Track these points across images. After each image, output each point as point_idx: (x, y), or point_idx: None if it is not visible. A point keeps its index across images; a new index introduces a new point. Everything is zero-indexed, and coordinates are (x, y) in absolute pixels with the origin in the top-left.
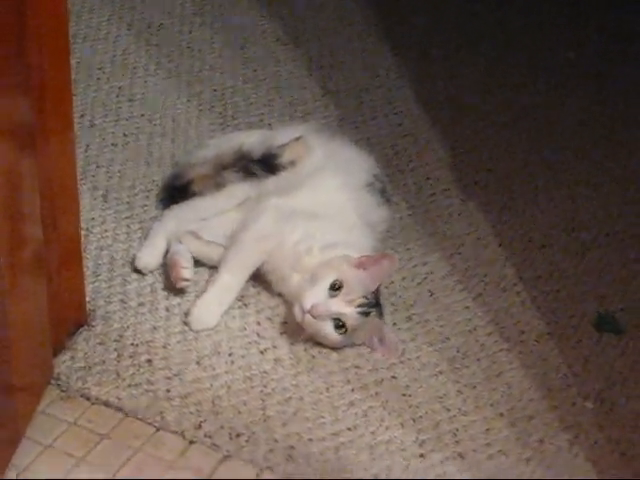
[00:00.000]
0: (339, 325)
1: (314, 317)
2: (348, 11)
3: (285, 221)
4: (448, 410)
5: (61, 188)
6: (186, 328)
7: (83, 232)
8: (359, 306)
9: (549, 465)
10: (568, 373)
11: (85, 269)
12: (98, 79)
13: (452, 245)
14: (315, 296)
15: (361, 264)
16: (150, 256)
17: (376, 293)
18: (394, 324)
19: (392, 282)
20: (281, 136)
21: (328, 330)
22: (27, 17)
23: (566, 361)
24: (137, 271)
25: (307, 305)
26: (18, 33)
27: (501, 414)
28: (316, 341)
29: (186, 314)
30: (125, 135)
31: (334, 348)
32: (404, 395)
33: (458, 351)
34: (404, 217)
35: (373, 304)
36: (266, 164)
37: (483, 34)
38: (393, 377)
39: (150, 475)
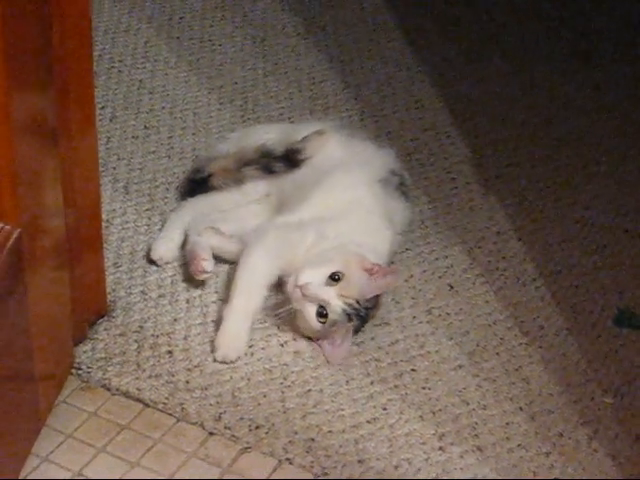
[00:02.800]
0: (322, 314)
1: (303, 295)
2: (369, 4)
3: (291, 234)
4: (467, 404)
5: (83, 180)
6: (207, 320)
7: (104, 224)
8: (348, 305)
9: (568, 459)
10: (587, 368)
11: (106, 260)
12: (119, 72)
13: (473, 239)
14: (312, 276)
15: (370, 270)
16: (166, 247)
17: (369, 308)
18: (414, 318)
19: (412, 275)
20: (302, 131)
21: (310, 314)
22: (51, 9)
23: (585, 356)
24: (152, 262)
25: (301, 280)
26: (42, 26)
27: (520, 408)
28: (292, 327)
29: (212, 349)
30: (146, 128)
31: (309, 338)
32: (424, 388)
33: (478, 345)
34: (424, 210)
35: (361, 314)
36: (289, 160)
37: (506, 28)
38: (413, 370)
39: (170, 466)
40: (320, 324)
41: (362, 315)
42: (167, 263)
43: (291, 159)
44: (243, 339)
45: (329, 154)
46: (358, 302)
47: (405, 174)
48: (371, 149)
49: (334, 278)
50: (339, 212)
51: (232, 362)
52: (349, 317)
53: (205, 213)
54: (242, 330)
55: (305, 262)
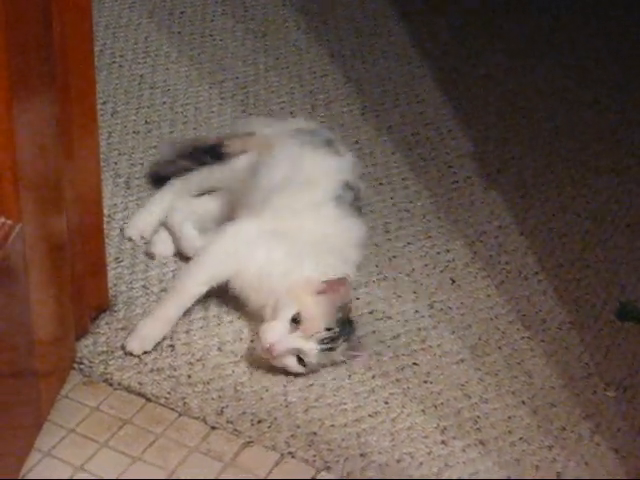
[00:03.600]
0: (302, 360)
1: (273, 356)
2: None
3: (246, 245)
4: (469, 397)
5: (84, 175)
6: (208, 314)
7: (105, 219)
8: (322, 342)
9: (571, 453)
10: (590, 362)
11: (107, 255)
12: (120, 67)
13: (474, 233)
14: (274, 332)
15: (322, 291)
16: (142, 221)
17: (344, 321)
18: (416, 312)
19: (413, 269)
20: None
21: (291, 365)
22: (52, 4)
23: (588, 350)
24: (129, 239)
25: (266, 343)
26: (42, 19)
27: (523, 402)
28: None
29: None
30: (147, 123)
31: None
32: (425, 382)
33: (480, 339)
34: (426, 205)
35: (338, 336)
36: (215, 153)
37: (508, 23)
38: (414, 364)
39: (172, 460)
40: (305, 368)
41: (343, 331)
42: (143, 238)
43: (217, 153)
44: (154, 339)
45: (281, 163)
46: (329, 328)
47: (361, 185)
48: (325, 162)
49: (295, 321)
50: (289, 231)
51: (138, 356)
52: (331, 349)
53: (187, 190)
54: (157, 331)
55: (261, 313)
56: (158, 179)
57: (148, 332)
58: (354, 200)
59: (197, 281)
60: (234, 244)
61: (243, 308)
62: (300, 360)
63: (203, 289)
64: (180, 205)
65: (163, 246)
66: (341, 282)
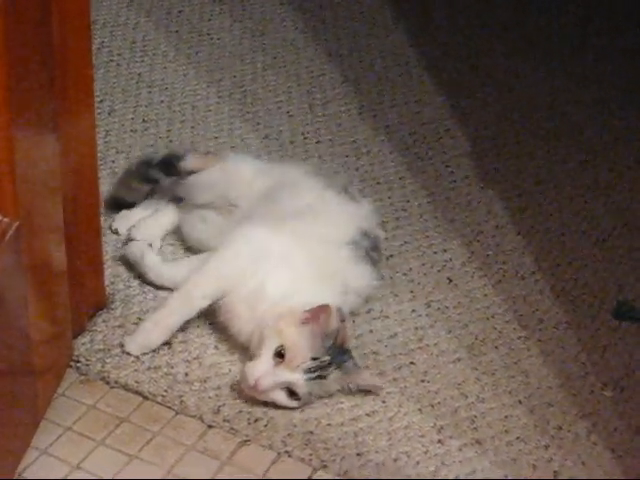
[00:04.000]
0: (293, 393)
1: (259, 393)
2: None
3: (253, 260)
4: (466, 397)
5: (81, 173)
6: (206, 312)
7: (102, 217)
8: (309, 371)
9: (567, 452)
10: (586, 361)
11: (104, 253)
12: (118, 65)
13: (471, 232)
14: (259, 367)
15: (307, 319)
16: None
17: (335, 345)
18: (413, 311)
19: (410, 269)
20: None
21: (281, 400)
22: (51, 2)
23: (585, 349)
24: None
25: (251, 381)
26: (41, 11)
27: (519, 401)
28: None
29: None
30: (144, 121)
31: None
32: (422, 381)
33: (477, 338)
34: (423, 204)
35: (328, 364)
36: (166, 167)
37: (504, 23)
38: (411, 363)
39: (169, 459)
40: (298, 401)
41: (334, 359)
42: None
43: (169, 167)
44: (153, 344)
45: (299, 195)
46: (315, 358)
47: (380, 234)
48: (344, 206)
49: (279, 355)
50: (290, 259)
51: (137, 356)
52: (321, 377)
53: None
54: (157, 337)
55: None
56: (117, 205)
57: (148, 337)
58: (370, 250)
59: (203, 293)
60: (246, 253)
61: (229, 337)
62: (292, 394)
63: (208, 302)
64: (136, 234)
65: (126, 222)
66: (322, 309)
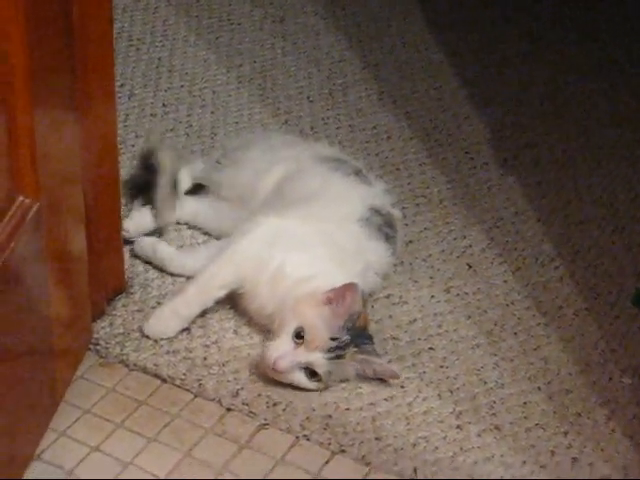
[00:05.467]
0: (313, 374)
1: (281, 372)
2: None
3: (268, 246)
4: (485, 383)
5: (101, 156)
6: (224, 297)
7: (122, 200)
8: (328, 351)
9: (586, 439)
10: (606, 348)
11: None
12: (138, 50)
13: (491, 219)
14: (278, 348)
15: (329, 300)
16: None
17: (356, 327)
18: (432, 297)
19: (430, 255)
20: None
21: (301, 380)
22: None
23: (604, 336)
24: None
25: (270, 361)
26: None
27: (538, 388)
28: None
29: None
30: (164, 105)
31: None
32: (441, 367)
33: (496, 324)
34: (443, 190)
35: (346, 343)
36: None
37: (524, 10)
38: (431, 349)
39: (187, 442)
40: (318, 382)
41: (349, 340)
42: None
43: (145, 162)
44: (174, 327)
45: (312, 179)
46: (334, 338)
47: (395, 213)
48: (353, 186)
49: (299, 336)
50: (305, 242)
51: (155, 340)
52: (339, 357)
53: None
54: (178, 319)
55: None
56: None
57: (166, 325)
58: (383, 225)
59: (221, 284)
60: (261, 240)
61: (248, 321)
62: (312, 375)
63: (226, 291)
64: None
65: (138, 222)
66: (347, 288)
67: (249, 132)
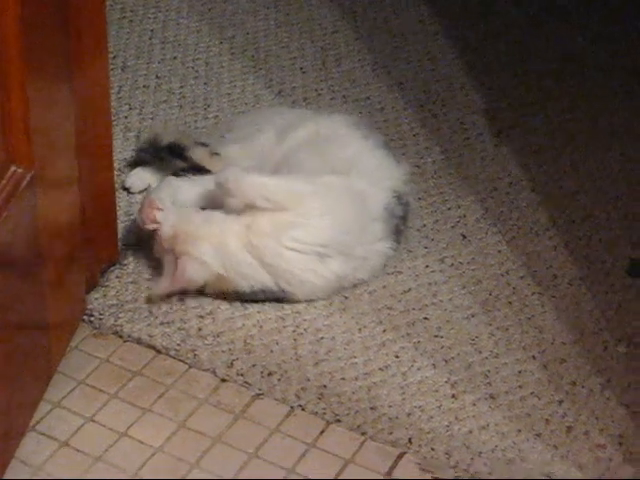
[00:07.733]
0: None
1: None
2: None
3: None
4: (480, 352)
5: (95, 127)
6: None
7: (116, 172)
8: None
9: (581, 408)
10: (600, 317)
11: (117, 208)
12: (131, 21)
13: (485, 189)
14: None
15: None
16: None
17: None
18: (427, 267)
19: (425, 225)
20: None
21: None
22: None
23: (598, 305)
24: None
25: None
26: None
27: (533, 357)
28: None
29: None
30: (157, 77)
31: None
32: (436, 336)
33: (490, 294)
34: (437, 161)
35: None
36: (172, 152)
37: None
38: (425, 318)
39: (182, 412)
40: None
41: None
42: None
43: (175, 153)
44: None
45: (342, 148)
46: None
47: (410, 202)
48: (384, 163)
49: None
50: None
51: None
52: None
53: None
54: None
55: None
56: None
57: None
58: (402, 218)
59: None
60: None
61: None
62: None
63: None
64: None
65: (138, 180)
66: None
67: (243, 106)
